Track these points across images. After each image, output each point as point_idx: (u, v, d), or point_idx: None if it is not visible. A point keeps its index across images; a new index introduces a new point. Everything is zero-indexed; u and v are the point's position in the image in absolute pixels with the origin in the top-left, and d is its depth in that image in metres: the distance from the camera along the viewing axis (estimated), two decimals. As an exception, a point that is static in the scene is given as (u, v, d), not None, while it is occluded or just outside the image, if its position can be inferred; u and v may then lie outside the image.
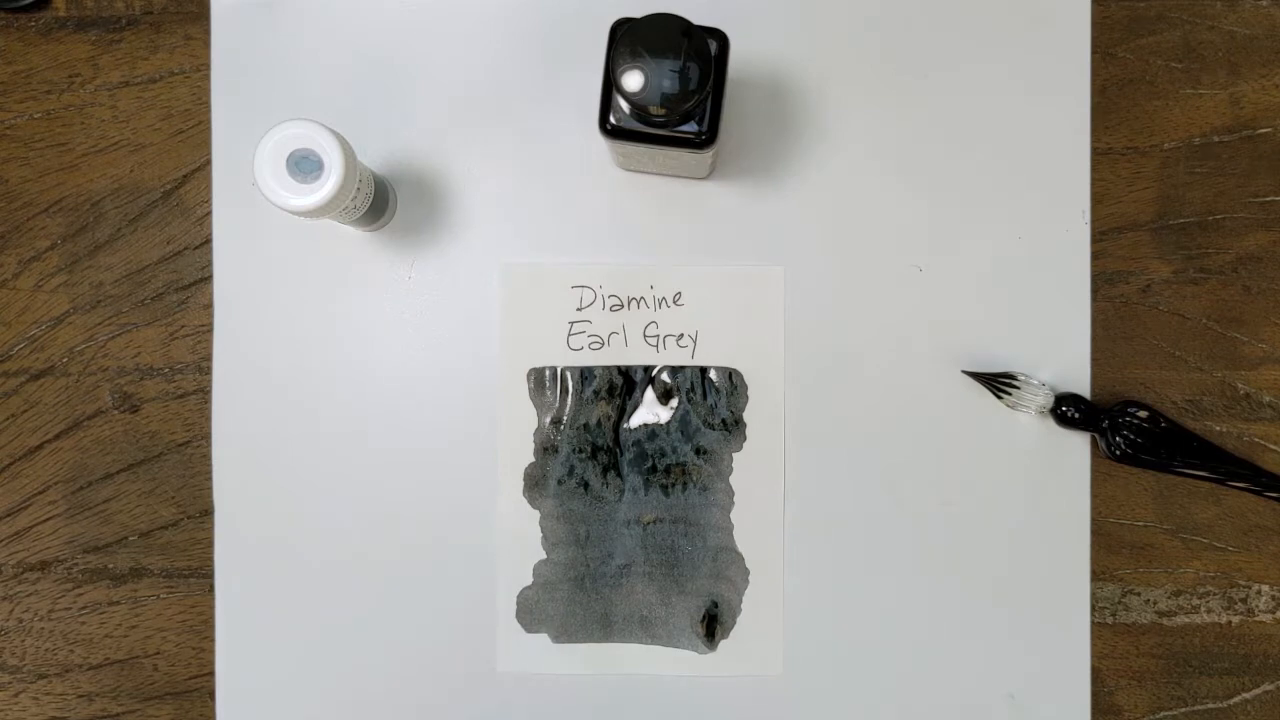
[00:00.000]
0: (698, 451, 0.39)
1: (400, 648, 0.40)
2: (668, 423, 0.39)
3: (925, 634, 0.39)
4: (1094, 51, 0.39)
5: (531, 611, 0.40)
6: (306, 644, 0.40)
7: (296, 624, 0.40)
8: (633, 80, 0.31)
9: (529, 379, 0.39)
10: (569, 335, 0.39)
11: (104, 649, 0.41)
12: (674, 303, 0.39)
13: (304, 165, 0.33)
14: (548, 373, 0.39)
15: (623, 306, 0.39)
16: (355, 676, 0.40)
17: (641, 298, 0.39)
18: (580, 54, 0.39)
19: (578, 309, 0.39)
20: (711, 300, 0.39)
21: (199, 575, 0.40)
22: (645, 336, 0.39)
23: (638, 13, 0.31)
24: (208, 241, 0.40)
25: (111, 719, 0.41)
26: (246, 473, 0.40)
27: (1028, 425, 0.39)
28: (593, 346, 0.39)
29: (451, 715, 0.40)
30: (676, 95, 0.31)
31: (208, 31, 0.40)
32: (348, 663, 0.40)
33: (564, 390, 0.39)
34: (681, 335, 0.39)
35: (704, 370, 0.39)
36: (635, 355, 0.39)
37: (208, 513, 0.40)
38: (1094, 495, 0.39)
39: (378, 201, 0.37)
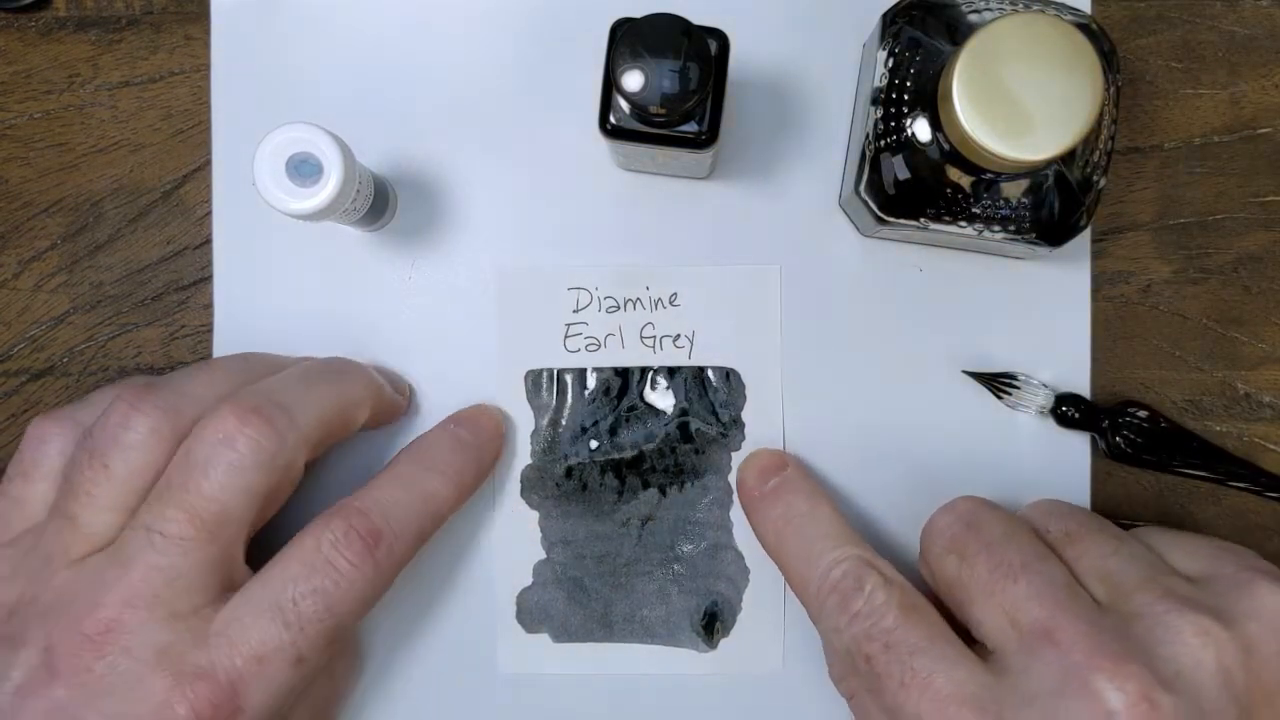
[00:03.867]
0: (696, 451, 0.40)
1: (401, 650, 0.40)
2: (665, 423, 0.40)
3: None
4: (1094, 51, 0.39)
5: (532, 612, 0.40)
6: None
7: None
8: (633, 80, 0.31)
9: (526, 380, 0.40)
10: (565, 337, 0.39)
11: (104, 648, 0.41)
12: (670, 303, 0.39)
13: (303, 169, 0.33)
14: (544, 374, 0.39)
15: (619, 308, 0.39)
16: (358, 680, 0.40)
17: (638, 299, 0.39)
18: (580, 54, 0.39)
19: (574, 311, 0.39)
20: (708, 300, 0.39)
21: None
22: (642, 338, 0.39)
23: (638, 13, 0.31)
24: (208, 241, 0.40)
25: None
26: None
27: (1028, 425, 0.39)
28: (589, 348, 0.39)
29: (455, 716, 0.40)
30: (676, 95, 0.31)
31: (208, 31, 0.40)
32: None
33: (561, 392, 0.39)
34: (678, 336, 0.39)
35: (701, 370, 0.39)
36: (632, 356, 0.39)
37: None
38: (1094, 495, 0.39)
39: (378, 202, 0.37)
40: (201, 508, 0.31)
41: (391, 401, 0.38)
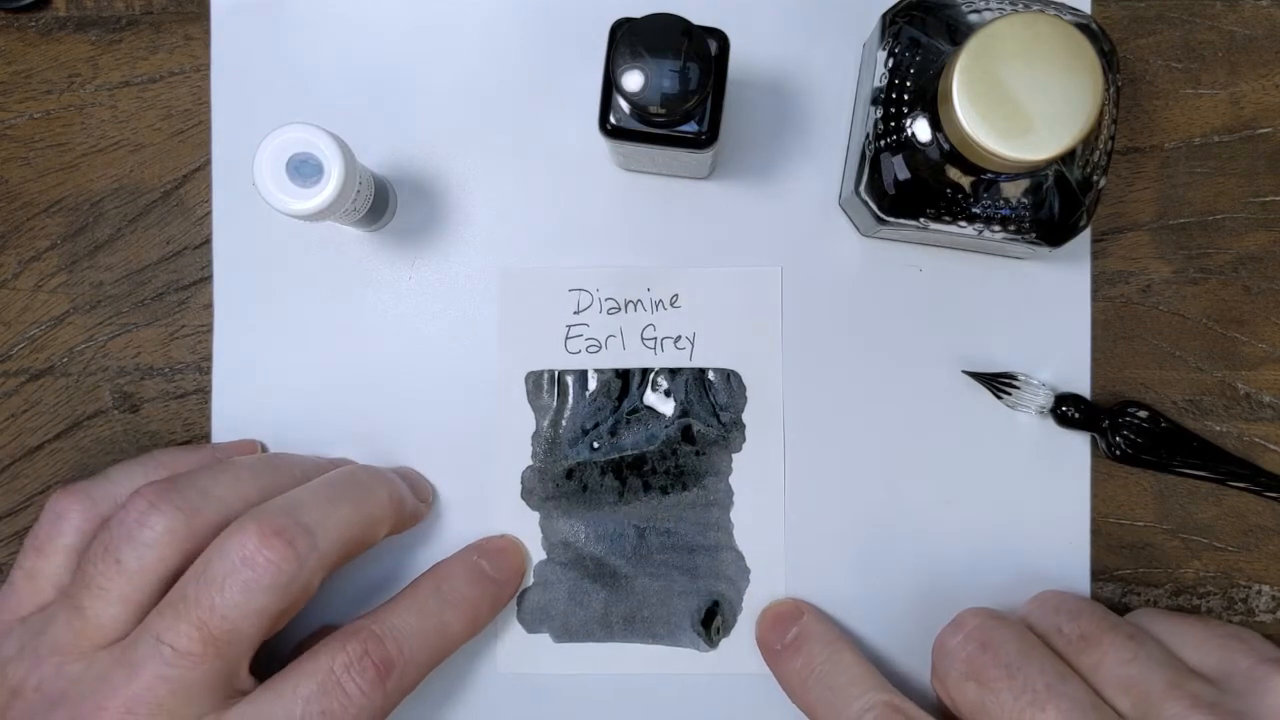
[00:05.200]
0: (697, 453, 0.40)
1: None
2: (666, 424, 0.40)
3: (925, 633, 0.39)
4: (1094, 51, 0.39)
5: (532, 612, 0.40)
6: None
7: (298, 627, 0.40)
8: (633, 80, 0.31)
9: (527, 381, 0.40)
10: (566, 338, 0.39)
11: (104, 649, 0.41)
12: (671, 305, 0.39)
13: (304, 169, 0.33)
14: (545, 376, 0.39)
15: (620, 309, 0.39)
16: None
17: (639, 300, 0.39)
18: (580, 54, 0.39)
19: (575, 312, 0.39)
20: (709, 302, 0.39)
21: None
22: (643, 339, 0.39)
23: (638, 13, 0.31)
24: (208, 241, 0.40)
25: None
26: (247, 473, 0.40)
27: (1028, 425, 0.39)
28: (590, 350, 0.39)
29: (456, 716, 0.40)
30: (676, 95, 0.31)
31: (208, 31, 0.40)
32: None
33: (562, 393, 0.39)
34: (679, 337, 0.39)
35: (702, 372, 0.39)
36: (633, 358, 0.39)
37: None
38: (1094, 495, 0.39)
39: (378, 203, 0.37)
40: (214, 625, 0.31)
41: (413, 512, 0.38)
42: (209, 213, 0.40)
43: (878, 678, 0.35)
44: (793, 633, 0.37)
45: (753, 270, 0.39)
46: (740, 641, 0.40)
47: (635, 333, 0.39)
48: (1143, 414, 0.39)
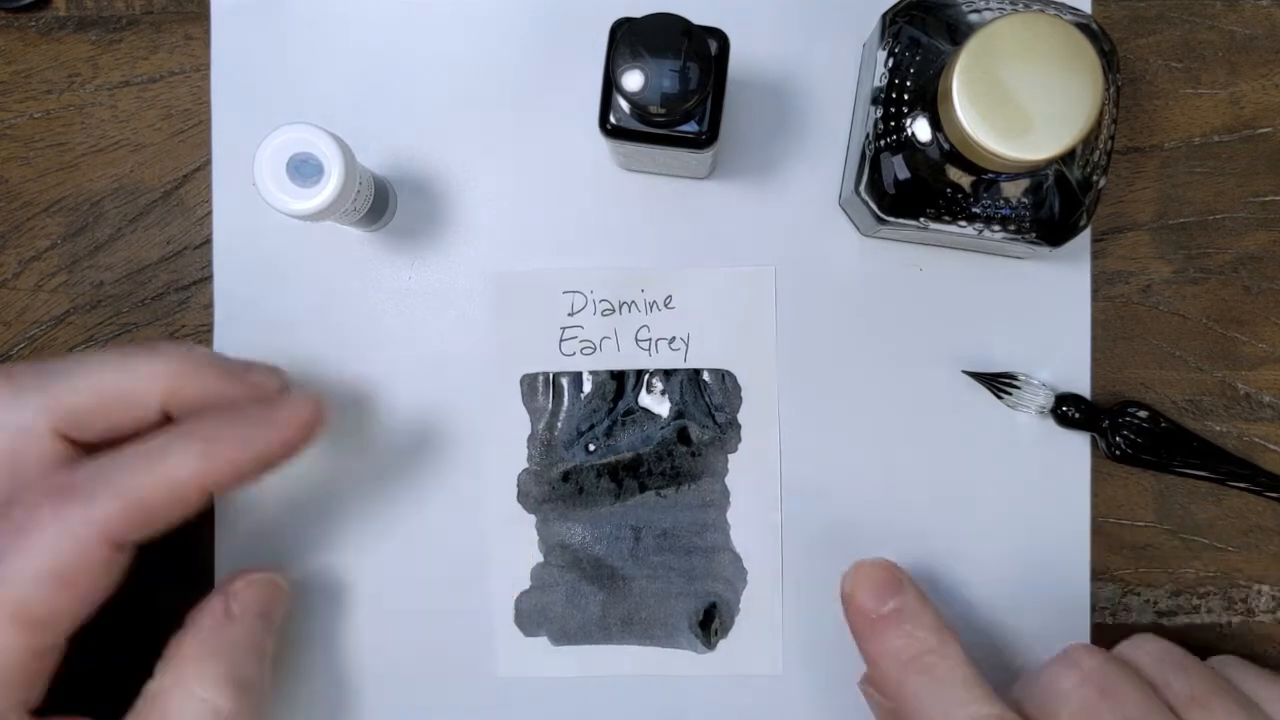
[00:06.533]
0: (693, 454, 0.39)
1: (400, 656, 0.40)
2: (662, 426, 0.40)
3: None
4: (1094, 51, 0.39)
5: (530, 615, 0.40)
6: (306, 650, 0.40)
7: (295, 629, 0.40)
8: (633, 80, 0.31)
9: (522, 384, 0.39)
10: (561, 341, 0.39)
11: (104, 648, 0.41)
12: (665, 306, 0.39)
13: (304, 169, 0.33)
14: (540, 378, 0.39)
15: (614, 311, 0.39)
16: (357, 685, 0.40)
17: (632, 302, 0.39)
18: (580, 54, 0.39)
19: (569, 314, 0.39)
20: (703, 302, 0.39)
21: (199, 577, 0.40)
22: (637, 340, 0.39)
23: (638, 13, 0.31)
24: (208, 241, 0.40)
25: None
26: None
27: (1028, 425, 0.39)
28: (585, 352, 0.39)
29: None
30: (676, 95, 0.31)
31: (208, 31, 0.40)
32: (348, 671, 0.40)
33: (557, 395, 0.39)
34: (673, 338, 0.39)
35: (697, 373, 0.39)
36: (627, 359, 0.39)
37: (208, 515, 0.40)
38: (1094, 495, 0.39)
39: (378, 203, 0.37)
40: None
41: (219, 380, 0.33)
42: (209, 213, 0.40)
43: (987, 685, 0.33)
44: (891, 605, 0.34)
45: (746, 270, 0.39)
46: (739, 643, 0.39)
47: (630, 334, 0.39)
48: (1143, 414, 0.38)
